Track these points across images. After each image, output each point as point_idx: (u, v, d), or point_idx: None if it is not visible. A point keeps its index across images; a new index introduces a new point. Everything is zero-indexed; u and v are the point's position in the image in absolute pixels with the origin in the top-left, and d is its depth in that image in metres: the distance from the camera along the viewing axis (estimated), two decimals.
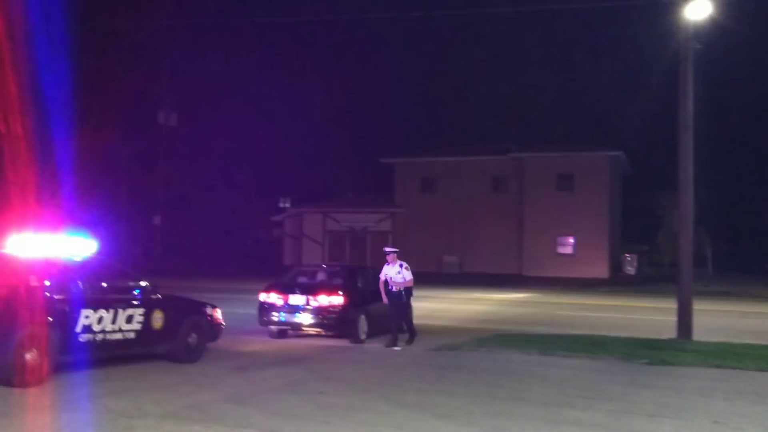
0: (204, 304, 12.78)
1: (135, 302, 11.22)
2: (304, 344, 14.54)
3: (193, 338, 11.99)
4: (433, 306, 23.43)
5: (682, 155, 15.82)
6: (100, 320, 10.58)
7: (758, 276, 42.86)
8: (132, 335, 11.07)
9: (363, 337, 14.80)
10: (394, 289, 14.57)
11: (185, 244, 53.21)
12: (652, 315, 22.47)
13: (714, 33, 16.73)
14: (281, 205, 59.00)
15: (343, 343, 14.60)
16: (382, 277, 14.77)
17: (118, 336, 10.88)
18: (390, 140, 61.12)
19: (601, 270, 41.77)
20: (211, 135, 60.48)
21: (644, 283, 39.34)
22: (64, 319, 10.13)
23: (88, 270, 10.96)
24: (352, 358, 12.94)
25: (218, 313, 12.81)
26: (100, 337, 10.59)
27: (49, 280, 10.23)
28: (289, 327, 15.08)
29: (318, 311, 14.61)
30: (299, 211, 49.99)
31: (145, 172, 49.83)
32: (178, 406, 8.74)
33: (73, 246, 11.03)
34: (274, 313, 14.97)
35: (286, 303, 14.88)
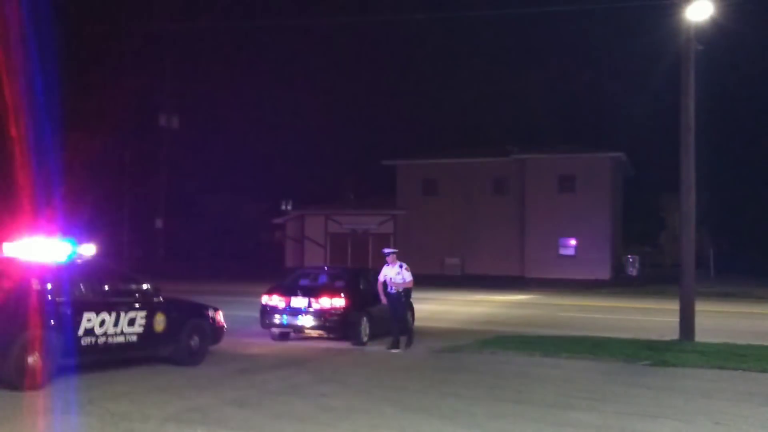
0: (206, 307, 12.78)
1: (137, 305, 11.22)
2: (306, 347, 14.54)
3: (195, 341, 11.99)
4: (435, 308, 23.43)
5: (683, 156, 15.81)
6: (102, 323, 10.58)
7: (760, 277, 42.75)
8: (134, 338, 11.08)
9: (365, 339, 14.78)
10: (392, 290, 14.55)
11: (187, 246, 53.29)
12: (654, 316, 22.44)
13: (716, 34, 16.72)
14: (283, 207, 59.00)
15: (345, 345, 14.59)
16: (381, 278, 14.74)
17: (120, 339, 10.88)
18: (392, 142, 61.19)
19: (603, 271, 41.71)
20: (212, 138, 60.59)
21: (646, 285, 39.28)
22: (66, 322, 10.13)
23: (89, 273, 10.98)
24: (354, 361, 12.93)
25: (220, 316, 12.81)
26: (102, 340, 10.59)
27: (51, 283, 10.23)
28: (291, 329, 15.07)
29: (320, 313, 14.60)
30: (301, 214, 50.00)
31: (147, 176, 49.91)
32: (180, 409, 8.74)
33: (74, 249, 11.03)
34: (276, 316, 14.96)
35: (288, 305, 14.87)
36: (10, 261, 10.66)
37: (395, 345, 14.23)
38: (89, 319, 10.41)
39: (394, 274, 14.59)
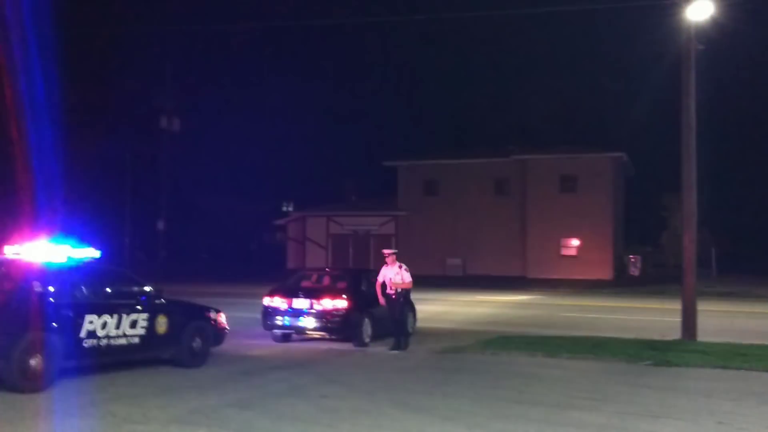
0: (208, 309, 12.78)
1: (139, 307, 11.22)
2: (308, 348, 14.54)
3: (197, 343, 12.00)
4: (437, 308, 23.43)
5: (685, 156, 15.81)
6: (104, 325, 10.59)
7: (762, 276, 42.75)
8: (136, 340, 11.09)
9: (367, 340, 14.77)
10: (390, 291, 14.53)
11: (189, 248, 53.32)
12: (656, 316, 22.42)
13: (716, 34, 16.71)
14: (284, 209, 59.09)
15: (347, 346, 14.58)
16: (380, 278, 14.74)
17: (123, 341, 10.89)
18: (393, 143, 61.27)
19: (604, 271, 41.71)
20: (214, 139, 60.65)
21: (648, 284, 39.27)
22: (68, 324, 10.14)
23: (91, 275, 10.99)
24: (356, 362, 12.93)
25: (222, 318, 12.81)
26: (104, 342, 10.60)
27: (53, 285, 10.25)
28: (293, 331, 15.08)
29: (322, 315, 14.60)
30: (303, 215, 50.02)
31: (149, 177, 49.91)
32: (183, 411, 8.74)
33: (76, 251, 11.04)
34: (278, 317, 14.97)
35: (290, 307, 14.88)
36: (12, 263, 10.67)
37: (396, 346, 14.22)
38: (91, 321, 10.42)
39: (393, 274, 14.58)
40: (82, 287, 10.62)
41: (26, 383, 9.41)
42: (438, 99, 71.82)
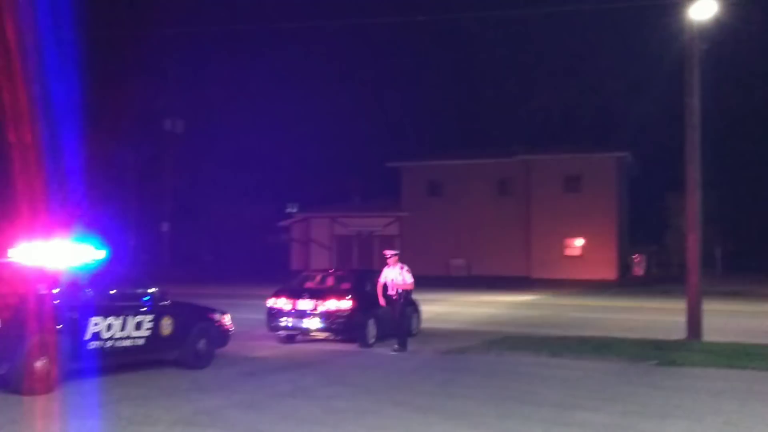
0: (212, 310, 12.80)
1: (144, 309, 11.24)
2: (313, 349, 14.55)
3: (202, 344, 12.01)
4: (441, 309, 23.43)
5: (689, 155, 15.78)
6: (109, 327, 10.60)
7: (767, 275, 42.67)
8: (141, 342, 11.10)
9: (372, 341, 14.77)
10: (391, 292, 14.52)
11: (193, 250, 53.37)
12: (661, 316, 22.39)
13: (720, 33, 16.69)
14: (288, 210, 59.09)
15: (351, 347, 14.59)
16: (382, 280, 14.75)
17: (128, 343, 10.90)
18: (396, 144, 61.23)
19: (609, 271, 41.67)
20: (217, 141, 60.70)
21: (653, 284, 39.26)
22: (74, 326, 10.15)
23: (96, 277, 10.99)
24: (360, 363, 12.93)
25: (227, 319, 12.82)
26: (109, 344, 10.61)
27: (58, 287, 10.26)
28: (297, 332, 15.09)
29: (326, 316, 14.61)
30: (306, 216, 50.06)
31: (153, 180, 50.03)
32: (188, 412, 8.75)
33: (82, 253, 11.06)
34: (283, 318, 14.97)
35: (294, 308, 14.89)
36: (17, 265, 10.68)
37: (401, 347, 14.19)
38: (96, 323, 10.44)
39: (394, 275, 14.58)
40: (87, 289, 10.63)
41: (32, 385, 9.42)
42: (441, 99, 71.78)
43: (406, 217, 46.37)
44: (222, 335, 12.62)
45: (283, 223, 52.91)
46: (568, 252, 42.81)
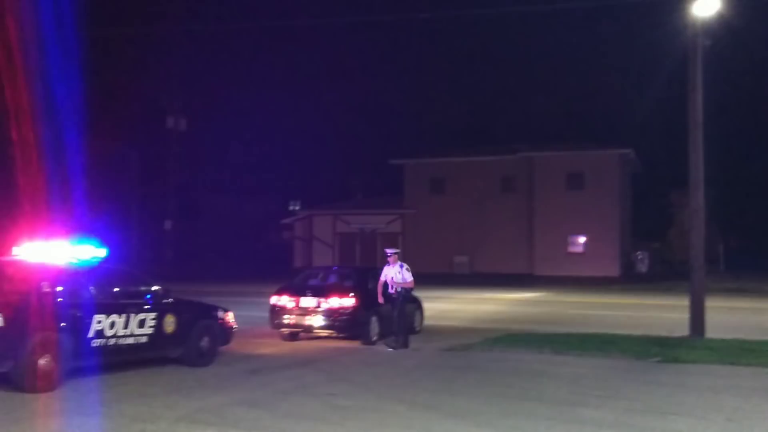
0: (216, 308, 12.81)
1: (147, 307, 11.25)
2: (316, 346, 14.56)
3: (205, 342, 12.02)
4: (444, 306, 23.42)
5: (692, 152, 15.75)
6: (112, 325, 10.62)
7: None
8: (144, 340, 11.12)
9: (374, 338, 14.78)
10: (392, 290, 14.52)
11: (196, 248, 53.40)
12: (664, 313, 22.36)
13: (724, 29, 16.65)
14: (291, 207, 59.17)
15: (354, 344, 14.60)
16: (382, 278, 14.74)
17: (131, 340, 10.92)
18: (399, 141, 61.18)
19: (612, 268, 41.63)
20: (220, 139, 60.73)
21: (656, 281, 39.18)
22: (77, 324, 10.17)
23: (99, 275, 11.01)
24: (363, 360, 12.94)
25: (230, 317, 12.83)
26: (112, 341, 10.63)
27: (61, 285, 10.28)
28: (300, 329, 15.09)
29: (329, 313, 14.61)
30: (309, 214, 50.07)
31: (156, 178, 50.06)
32: (191, 409, 8.76)
33: (84, 251, 11.07)
34: (286, 316, 14.98)
35: (297, 305, 14.90)
36: (20, 264, 10.70)
37: (405, 344, 14.20)
38: (100, 321, 10.46)
39: (395, 273, 14.58)
40: (90, 287, 10.65)
41: (35, 383, 9.44)
42: (444, 97, 71.73)
43: (409, 214, 46.36)
44: (225, 333, 12.63)
45: (285, 221, 52.94)
46: (571, 249, 42.77)
